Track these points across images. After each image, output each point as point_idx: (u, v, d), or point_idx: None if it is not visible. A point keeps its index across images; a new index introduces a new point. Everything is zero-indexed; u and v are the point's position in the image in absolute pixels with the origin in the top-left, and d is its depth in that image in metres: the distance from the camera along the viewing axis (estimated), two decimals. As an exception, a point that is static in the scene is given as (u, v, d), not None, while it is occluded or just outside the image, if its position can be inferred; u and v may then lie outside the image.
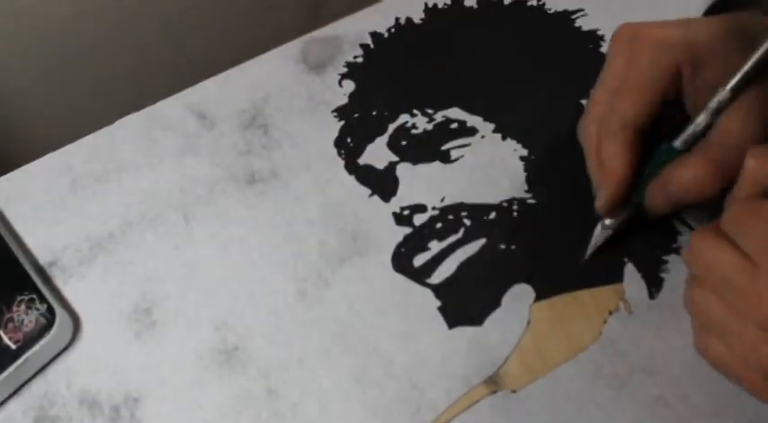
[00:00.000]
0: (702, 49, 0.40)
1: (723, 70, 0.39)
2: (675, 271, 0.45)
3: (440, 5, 0.56)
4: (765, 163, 0.36)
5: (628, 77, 0.41)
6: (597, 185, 0.43)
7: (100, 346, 0.44)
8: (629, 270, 0.45)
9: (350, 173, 0.49)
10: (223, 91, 0.51)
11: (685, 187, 0.40)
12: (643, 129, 0.41)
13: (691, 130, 0.40)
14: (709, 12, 0.46)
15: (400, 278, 0.45)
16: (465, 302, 0.44)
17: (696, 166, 0.40)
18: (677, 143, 0.41)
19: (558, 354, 0.43)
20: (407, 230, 0.47)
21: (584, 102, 0.50)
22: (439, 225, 0.47)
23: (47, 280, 0.46)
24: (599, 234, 0.45)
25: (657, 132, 0.42)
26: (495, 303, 0.44)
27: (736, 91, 0.38)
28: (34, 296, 0.44)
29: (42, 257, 0.46)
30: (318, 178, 0.48)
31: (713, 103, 0.39)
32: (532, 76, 0.52)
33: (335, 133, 0.50)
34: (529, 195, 0.47)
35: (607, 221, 0.44)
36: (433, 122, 0.50)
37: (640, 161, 0.42)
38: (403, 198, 0.48)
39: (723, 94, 0.39)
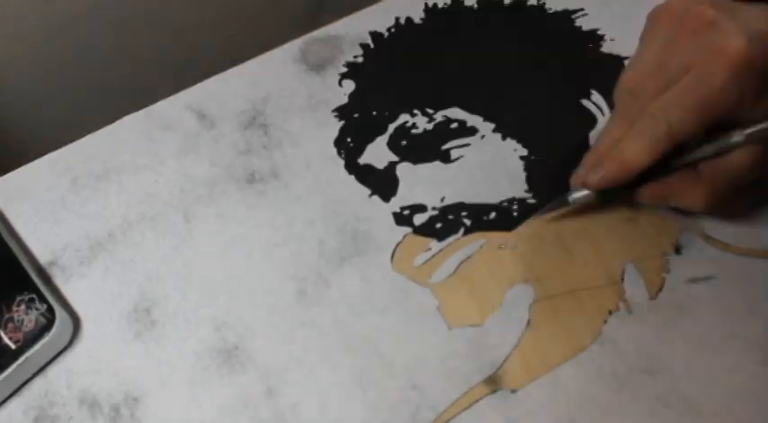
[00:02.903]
0: None
1: None
2: (675, 271, 0.45)
3: (440, 5, 0.56)
4: None
5: (701, 87, 0.38)
6: (598, 161, 0.42)
7: (100, 346, 0.44)
8: (629, 270, 0.45)
9: (350, 172, 0.49)
10: (223, 91, 0.51)
11: (684, 205, 0.42)
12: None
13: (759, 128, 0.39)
14: None
15: (400, 278, 0.45)
16: (465, 302, 0.44)
17: (697, 193, 0.41)
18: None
19: (557, 353, 0.43)
20: (407, 230, 0.47)
21: (584, 102, 0.50)
22: (439, 225, 0.47)
23: (47, 280, 0.46)
24: (560, 203, 0.45)
25: None
26: (495, 303, 0.44)
27: None
28: (34, 296, 0.44)
29: (42, 257, 0.46)
30: (318, 178, 0.48)
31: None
32: (532, 76, 0.52)
33: (335, 133, 0.50)
34: (529, 195, 0.47)
35: (577, 195, 0.44)
36: (433, 122, 0.50)
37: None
38: (403, 198, 0.48)
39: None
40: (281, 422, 0.42)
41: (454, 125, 0.50)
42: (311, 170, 0.49)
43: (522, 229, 0.46)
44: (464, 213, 0.47)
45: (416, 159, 0.49)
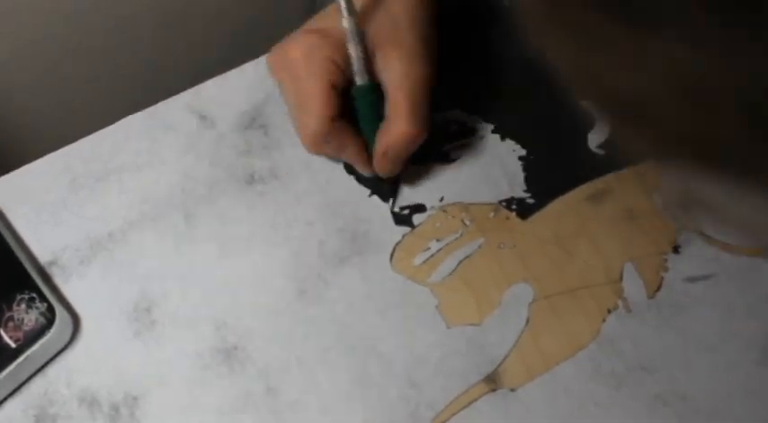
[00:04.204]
0: (336, 33, 0.44)
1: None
2: (674, 269, 0.45)
3: (439, 7, 0.56)
4: None
5: (299, 97, 0.44)
6: (349, 161, 0.47)
7: (100, 345, 0.44)
8: (628, 269, 0.45)
9: (349, 173, 0.49)
10: (224, 92, 0.51)
11: (400, 145, 0.44)
12: (334, 122, 0.44)
13: (356, 66, 0.44)
14: None
15: (399, 278, 0.46)
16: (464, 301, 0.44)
17: (399, 124, 0.43)
18: (359, 81, 0.44)
19: (556, 352, 0.43)
20: (407, 230, 0.47)
21: (583, 102, 0.50)
22: (438, 225, 0.47)
23: (47, 279, 0.46)
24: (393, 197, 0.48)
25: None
26: (494, 302, 0.44)
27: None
28: (34, 295, 0.44)
29: (43, 257, 0.46)
30: (318, 178, 0.49)
31: (349, 34, 0.43)
32: (531, 75, 0.52)
33: (335, 134, 0.50)
34: (528, 195, 0.48)
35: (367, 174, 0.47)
36: (433, 123, 0.50)
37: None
38: (402, 198, 0.48)
39: (348, 21, 0.43)
40: (280, 421, 0.42)
41: (453, 126, 0.50)
42: (311, 171, 0.49)
43: (522, 227, 0.47)
44: (463, 213, 0.47)
45: (416, 159, 0.49)
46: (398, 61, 0.43)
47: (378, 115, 0.44)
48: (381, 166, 0.46)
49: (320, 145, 0.45)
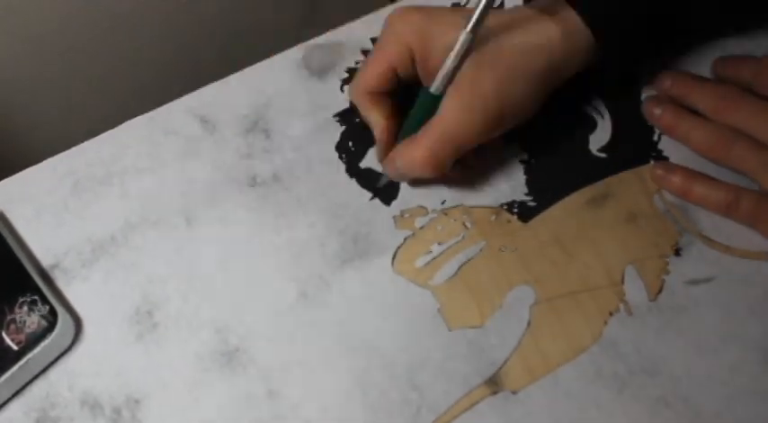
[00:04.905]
0: (430, 37, 0.44)
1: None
2: (675, 272, 0.45)
3: (440, 12, 0.56)
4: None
5: (375, 49, 0.46)
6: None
7: (101, 348, 0.44)
8: (630, 272, 0.45)
9: (351, 176, 0.49)
10: (225, 95, 0.51)
11: (407, 166, 0.45)
12: (370, 95, 0.46)
13: (441, 74, 0.43)
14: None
15: (401, 280, 0.46)
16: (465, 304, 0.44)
17: (416, 150, 0.44)
18: (432, 88, 0.43)
19: (558, 355, 0.43)
20: (408, 233, 0.47)
21: (583, 106, 0.50)
22: (440, 228, 0.47)
23: (49, 282, 0.46)
24: (383, 179, 0.48)
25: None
26: (495, 305, 0.44)
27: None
28: (36, 298, 0.44)
29: (45, 260, 0.47)
30: (320, 182, 0.49)
31: (458, 46, 0.42)
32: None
33: (337, 137, 0.50)
34: (529, 198, 0.48)
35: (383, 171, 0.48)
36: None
37: (395, 115, 0.46)
38: (404, 201, 0.48)
39: (465, 34, 0.41)
40: (281, 423, 0.42)
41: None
42: (312, 174, 0.49)
43: (523, 231, 0.47)
44: (464, 216, 0.47)
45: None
46: (460, 103, 0.43)
47: (420, 121, 0.45)
48: (386, 166, 0.47)
49: (357, 97, 0.47)
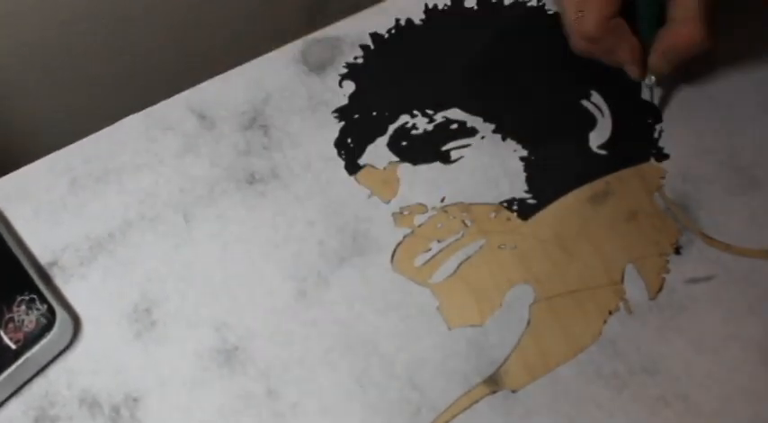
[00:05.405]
0: None
1: None
2: (675, 270, 0.45)
3: (440, 6, 0.56)
4: None
5: None
6: (619, 61, 0.46)
7: (100, 346, 0.44)
8: (629, 270, 0.45)
9: (350, 173, 0.49)
10: (223, 91, 0.51)
11: (683, 50, 0.44)
12: (611, 20, 0.44)
13: None
14: None
15: (400, 279, 0.46)
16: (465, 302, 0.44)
17: (693, 29, 0.42)
18: None
19: (558, 354, 0.43)
20: (407, 231, 0.47)
21: (583, 102, 0.50)
22: (439, 225, 0.47)
23: (47, 280, 0.46)
24: (654, 93, 0.49)
25: None
26: (495, 304, 0.44)
27: None
28: (35, 296, 0.44)
29: (43, 258, 0.46)
30: (319, 178, 0.48)
31: None
32: (532, 76, 0.52)
33: (336, 134, 0.50)
34: (529, 196, 0.47)
35: (647, 80, 0.47)
36: (433, 123, 0.50)
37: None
38: (403, 198, 0.48)
39: None
40: (280, 422, 0.42)
41: (454, 126, 0.50)
42: (311, 171, 0.49)
43: (523, 228, 0.46)
44: (464, 214, 0.47)
45: (416, 160, 0.49)
46: None
47: (658, 18, 0.44)
48: (657, 65, 0.46)
49: (593, 43, 0.45)
